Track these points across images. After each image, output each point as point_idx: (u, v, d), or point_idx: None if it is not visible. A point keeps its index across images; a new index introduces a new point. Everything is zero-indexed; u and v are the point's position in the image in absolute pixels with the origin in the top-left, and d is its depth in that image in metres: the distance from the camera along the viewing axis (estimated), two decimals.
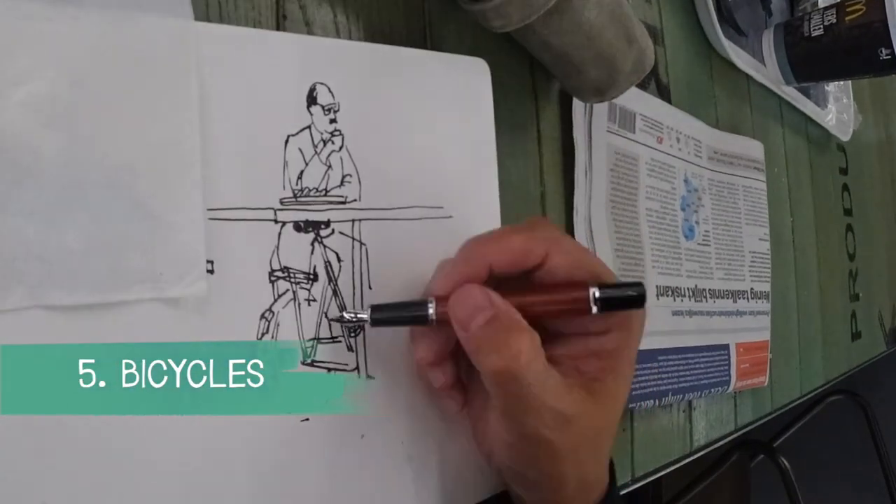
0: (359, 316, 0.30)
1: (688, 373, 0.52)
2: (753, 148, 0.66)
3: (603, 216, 0.46)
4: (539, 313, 0.29)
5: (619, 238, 0.48)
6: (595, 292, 0.29)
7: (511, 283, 0.30)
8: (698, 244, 0.56)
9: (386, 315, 0.30)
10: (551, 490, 0.30)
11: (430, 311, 0.29)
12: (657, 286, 0.51)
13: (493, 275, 0.29)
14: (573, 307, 0.29)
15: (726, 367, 0.57)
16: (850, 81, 0.87)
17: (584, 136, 0.45)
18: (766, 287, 0.65)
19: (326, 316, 0.30)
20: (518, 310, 0.28)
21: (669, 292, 0.52)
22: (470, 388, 0.33)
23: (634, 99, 0.50)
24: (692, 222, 0.56)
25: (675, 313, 0.52)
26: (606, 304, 0.29)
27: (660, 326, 0.50)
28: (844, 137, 0.85)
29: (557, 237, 0.30)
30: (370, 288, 0.32)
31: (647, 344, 0.48)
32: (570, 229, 0.45)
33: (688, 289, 0.54)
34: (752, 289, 0.62)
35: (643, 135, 0.51)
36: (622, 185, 0.49)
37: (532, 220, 0.31)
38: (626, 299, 0.29)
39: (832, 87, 0.85)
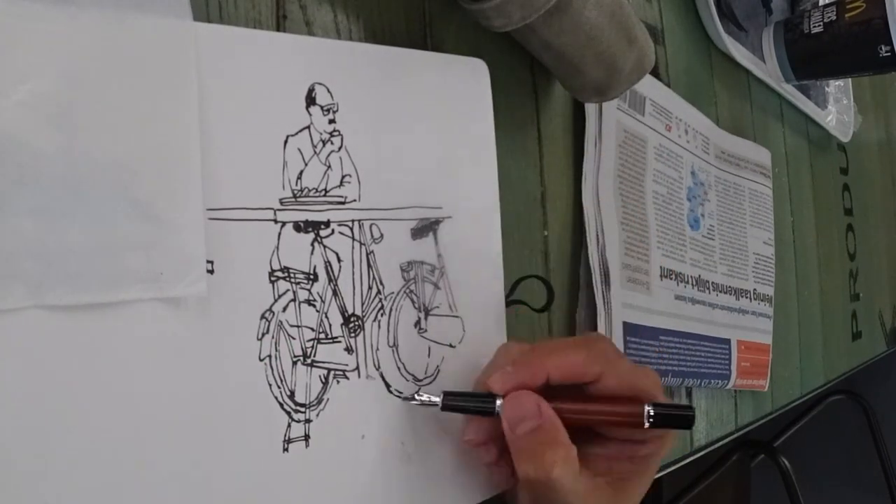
0: (432, 399, 0.32)
1: (689, 358, 0.52)
2: (761, 154, 0.66)
3: (610, 188, 0.47)
4: (593, 422, 0.33)
5: (625, 212, 0.48)
6: (650, 410, 0.31)
7: (569, 389, 0.33)
8: (703, 236, 0.56)
9: (456, 403, 0.32)
10: None
11: (498, 405, 0.31)
12: (661, 267, 0.51)
13: (549, 383, 0.32)
14: (627, 420, 0.32)
15: (727, 362, 0.57)
16: (850, 83, 0.87)
17: (594, 108, 0.46)
18: (770, 291, 0.65)
19: (402, 397, 0.32)
20: (573, 415, 0.32)
21: (673, 276, 0.52)
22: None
23: (645, 84, 0.50)
24: (697, 214, 0.56)
25: (677, 297, 0.52)
26: (659, 422, 0.32)
27: (662, 307, 0.50)
28: (844, 139, 0.85)
29: (613, 359, 0.33)
30: (370, 288, 0.32)
31: (649, 321, 0.48)
32: (577, 200, 0.45)
33: (691, 276, 0.54)
34: (755, 290, 0.62)
35: (652, 119, 0.52)
36: (630, 163, 0.49)
37: (591, 337, 0.35)
38: (677, 419, 0.32)
39: (832, 88, 0.85)
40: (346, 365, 0.31)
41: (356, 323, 0.31)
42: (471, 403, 0.32)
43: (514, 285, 0.40)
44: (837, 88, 0.86)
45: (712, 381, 0.55)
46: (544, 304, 0.42)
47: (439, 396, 0.32)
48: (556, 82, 0.45)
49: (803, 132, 0.79)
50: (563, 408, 0.31)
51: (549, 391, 0.32)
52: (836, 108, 0.84)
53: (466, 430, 0.33)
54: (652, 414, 0.31)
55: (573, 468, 0.30)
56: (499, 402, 0.31)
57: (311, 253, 0.30)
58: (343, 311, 0.31)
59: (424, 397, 0.32)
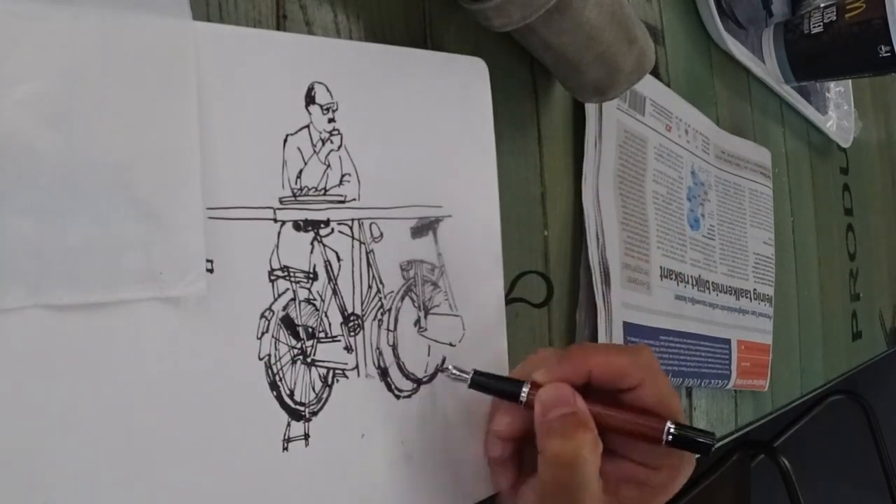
0: (463, 374, 0.33)
1: (689, 358, 0.52)
2: (761, 154, 0.66)
3: (610, 188, 0.47)
4: (613, 427, 0.32)
5: (625, 212, 0.48)
6: (671, 427, 0.31)
7: (597, 393, 0.32)
8: (703, 236, 0.57)
9: (485, 383, 0.33)
10: None
11: (524, 393, 0.32)
12: (661, 267, 0.51)
13: (589, 382, 0.32)
14: (647, 433, 0.32)
15: (727, 362, 0.57)
16: (850, 88, 0.87)
17: (594, 108, 0.46)
18: (770, 291, 0.65)
19: (440, 369, 0.34)
20: (596, 417, 0.31)
21: (673, 276, 0.52)
22: (521, 471, 0.35)
23: (645, 84, 0.51)
24: (698, 214, 0.56)
25: (677, 297, 0.52)
26: (676, 442, 0.31)
27: (662, 307, 0.50)
28: (845, 144, 0.85)
29: (656, 370, 0.33)
30: (369, 287, 0.32)
31: (649, 321, 0.49)
32: (577, 200, 0.45)
33: (691, 276, 0.54)
34: (755, 290, 0.62)
35: (652, 119, 0.52)
36: (630, 163, 0.49)
37: (637, 346, 0.35)
38: (696, 443, 0.32)
39: (833, 94, 0.85)
40: (346, 364, 0.31)
41: (356, 322, 0.31)
42: (499, 385, 0.33)
43: (514, 281, 0.40)
44: (838, 94, 0.85)
45: (712, 381, 0.55)
46: (544, 298, 0.42)
47: (469, 373, 0.33)
48: (556, 82, 0.45)
49: (803, 132, 0.79)
50: (591, 408, 0.31)
51: (582, 392, 0.32)
52: (837, 113, 0.84)
53: (496, 419, 0.34)
54: (672, 431, 0.31)
55: (597, 461, 0.30)
56: (525, 389, 0.32)
57: (311, 252, 0.30)
58: (343, 310, 0.31)
59: (455, 371, 0.33)
